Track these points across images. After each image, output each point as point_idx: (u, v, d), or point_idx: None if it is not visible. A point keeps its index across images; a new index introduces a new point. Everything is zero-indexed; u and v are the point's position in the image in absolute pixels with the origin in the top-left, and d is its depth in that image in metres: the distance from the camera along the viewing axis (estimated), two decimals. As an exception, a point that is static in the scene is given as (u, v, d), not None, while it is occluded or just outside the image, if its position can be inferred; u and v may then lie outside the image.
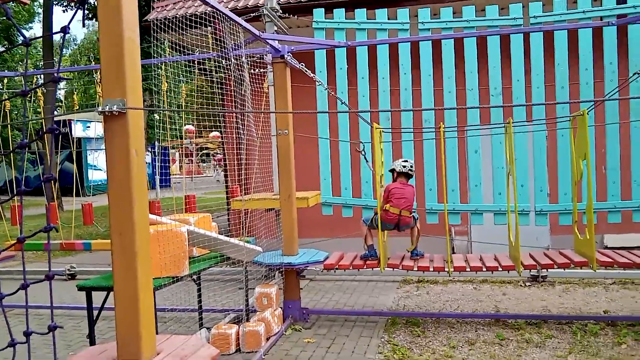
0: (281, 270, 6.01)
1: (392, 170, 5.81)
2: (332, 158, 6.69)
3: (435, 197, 6.43)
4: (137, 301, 2.83)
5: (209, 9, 4.64)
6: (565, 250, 5.73)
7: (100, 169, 25.64)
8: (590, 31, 5.90)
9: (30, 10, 27.37)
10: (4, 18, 19.84)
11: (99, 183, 25.15)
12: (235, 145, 7.76)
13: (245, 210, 6.42)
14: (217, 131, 7.60)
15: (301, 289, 6.35)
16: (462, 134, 6.48)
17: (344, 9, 6.52)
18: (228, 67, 5.76)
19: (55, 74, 2.41)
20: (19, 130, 17.58)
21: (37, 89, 7.62)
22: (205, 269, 5.15)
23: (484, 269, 5.46)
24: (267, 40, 5.81)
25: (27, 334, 2.19)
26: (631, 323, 5.54)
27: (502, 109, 6.22)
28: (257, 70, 6.75)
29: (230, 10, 5.17)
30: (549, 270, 6.87)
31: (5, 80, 8.86)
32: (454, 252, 7.83)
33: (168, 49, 5.77)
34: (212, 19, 5.31)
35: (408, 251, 5.85)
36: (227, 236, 5.37)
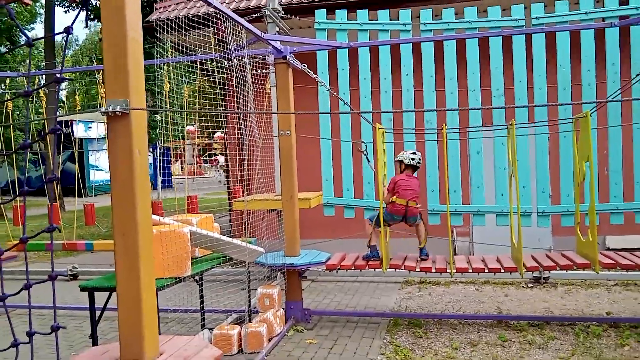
0: (283, 271, 6.01)
1: (399, 162, 5.80)
2: (334, 159, 6.68)
3: (437, 198, 6.43)
4: (140, 302, 2.83)
5: (212, 9, 4.64)
6: (568, 251, 5.72)
7: (102, 170, 25.66)
8: (593, 32, 5.90)
9: (32, 11, 27.37)
10: (6, 19, 19.87)
11: (101, 184, 25.20)
12: (237, 146, 7.76)
13: (247, 211, 6.42)
14: (221, 132, 7.60)
15: (303, 290, 6.35)
16: (464, 135, 6.47)
17: (346, 10, 6.53)
18: (230, 67, 5.77)
19: (59, 75, 2.41)
20: (21, 130, 17.62)
21: (40, 90, 7.63)
22: (207, 270, 5.15)
23: (486, 271, 5.45)
24: (270, 41, 5.81)
25: (30, 334, 2.19)
26: (634, 325, 5.53)
27: (504, 110, 6.21)
28: (259, 71, 6.75)
29: (232, 11, 5.17)
30: (551, 271, 6.86)
31: (7, 81, 8.88)
32: (455, 254, 7.82)
33: (170, 50, 5.78)
34: (214, 20, 5.32)
35: (419, 248, 5.83)
36: (229, 237, 5.37)
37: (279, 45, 5.98)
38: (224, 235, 5.36)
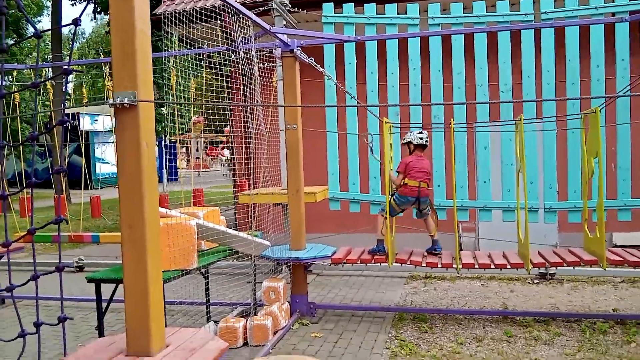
0: (289, 264, 6.01)
1: (408, 144, 5.78)
2: (340, 153, 6.67)
3: (443, 193, 6.41)
4: (147, 294, 2.83)
5: (219, 2, 4.63)
6: (575, 248, 5.70)
7: (107, 162, 25.74)
8: (602, 27, 5.85)
9: (39, 3, 27.46)
10: (13, 11, 19.90)
11: (107, 176, 25.29)
12: (243, 140, 7.76)
13: (252, 204, 6.42)
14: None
15: (308, 283, 6.35)
16: (471, 130, 6.44)
17: (353, 3, 6.48)
18: (237, 60, 5.76)
19: (67, 67, 2.41)
20: (27, 123, 17.68)
21: (47, 82, 7.64)
22: (213, 263, 5.16)
23: (493, 266, 5.44)
24: (277, 34, 5.79)
25: (38, 325, 2.20)
26: (640, 322, 5.52)
27: (512, 106, 6.18)
28: (266, 64, 6.74)
29: (240, 4, 5.16)
30: (557, 268, 6.83)
31: (15, 73, 8.89)
32: (461, 249, 7.81)
33: (177, 42, 5.77)
34: (221, 12, 5.30)
35: (431, 235, 5.80)
36: (235, 230, 5.37)
37: (286, 38, 5.96)
38: (230, 228, 5.36)
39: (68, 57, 2.87)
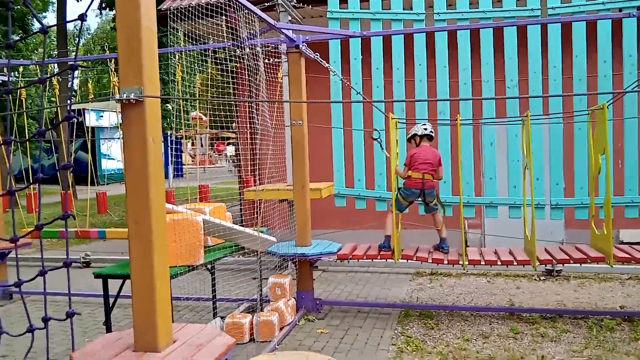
0: (295, 260, 6.02)
1: (413, 137, 5.78)
2: (345, 149, 6.66)
3: (449, 189, 6.40)
4: (154, 290, 2.84)
5: (225, -3, 4.62)
6: (581, 245, 5.67)
7: (113, 159, 25.83)
8: (610, 23, 5.81)
9: (45, -1, 27.54)
10: (19, 7, 19.95)
11: (113, 172, 25.38)
12: (249, 136, 7.75)
13: (258, 200, 6.43)
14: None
15: (314, 279, 6.35)
16: (477, 126, 6.42)
17: (358, -1, 6.48)
18: (242, 56, 5.75)
19: (74, 62, 2.41)
20: (33, 119, 17.75)
21: (53, 78, 7.66)
22: (219, 259, 5.17)
23: (499, 263, 5.42)
24: (282, 30, 5.77)
25: (45, 320, 2.21)
26: (647, 318, 5.49)
27: (519, 101, 6.15)
28: (271, 60, 6.73)
29: (245, -1, 5.14)
30: (564, 264, 6.81)
31: (21, 69, 8.92)
32: (467, 245, 7.79)
33: (183, 38, 5.76)
34: (227, 8, 5.29)
35: (438, 230, 5.82)
36: (241, 226, 5.38)
37: (292, 34, 5.94)
38: (236, 224, 5.36)
39: (74, 53, 2.87)
